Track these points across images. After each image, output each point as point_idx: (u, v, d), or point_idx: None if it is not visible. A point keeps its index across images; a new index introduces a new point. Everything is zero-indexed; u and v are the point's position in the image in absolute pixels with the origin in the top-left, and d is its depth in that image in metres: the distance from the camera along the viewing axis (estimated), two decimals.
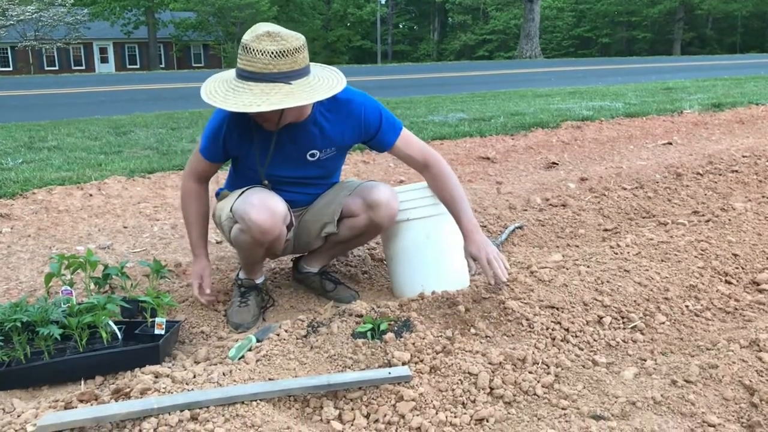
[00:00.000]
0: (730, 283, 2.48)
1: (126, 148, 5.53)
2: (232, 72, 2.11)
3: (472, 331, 2.05)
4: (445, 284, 2.32)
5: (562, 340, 2.02)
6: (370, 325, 1.98)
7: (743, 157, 4.63)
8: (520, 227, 3.19)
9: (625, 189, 3.82)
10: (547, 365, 1.86)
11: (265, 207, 2.11)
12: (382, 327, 1.98)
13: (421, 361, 1.84)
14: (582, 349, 2.00)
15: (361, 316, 2.07)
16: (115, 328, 1.98)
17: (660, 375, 1.82)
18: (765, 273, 2.54)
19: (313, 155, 2.29)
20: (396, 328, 1.99)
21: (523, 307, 2.13)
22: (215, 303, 2.43)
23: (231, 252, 2.95)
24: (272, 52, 1.96)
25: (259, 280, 2.42)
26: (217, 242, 3.11)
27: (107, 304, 1.96)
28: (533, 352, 1.91)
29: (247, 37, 1.99)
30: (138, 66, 45.20)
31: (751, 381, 1.75)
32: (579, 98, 9.02)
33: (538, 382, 1.78)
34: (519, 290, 2.26)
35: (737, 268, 2.58)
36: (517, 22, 43.69)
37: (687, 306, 2.27)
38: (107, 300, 1.98)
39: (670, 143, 5.50)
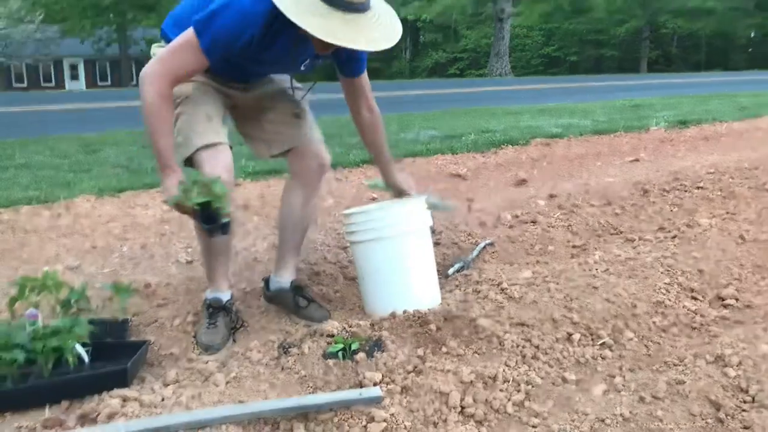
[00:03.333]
0: (695, 299, 2.52)
1: (96, 167, 5.47)
2: (314, 2, 1.89)
3: (444, 349, 2.06)
4: (417, 303, 2.32)
5: (532, 358, 2.03)
6: (341, 345, 1.97)
7: (708, 173, 4.72)
8: (491, 244, 3.21)
9: (593, 206, 3.87)
10: (517, 383, 1.87)
11: (218, 163, 2.12)
12: (354, 347, 1.97)
13: (393, 381, 1.84)
14: (552, 367, 2.01)
15: (332, 335, 2.07)
16: (82, 351, 1.95)
17: (628, 392, 1.84)
18: (729, 288, 2.59)
19: (306, 65, 2.26)
20: (368, 348, 1.99)
21: (494, 324, 2.15)
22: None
23: (201, 272, 2.93)
24: None
25: (225, 297, 2.37)
26: (187, 262, 3.09)
27: (73, 327, 1.93)
28: (504, 370, 1.92)
29: None
30: (109, 83, 44.84)
31: (717, 396, 1.78)
32: (548, 116, 9.14)
33: (509, 400, 1.79)
34: (490, 308, 2.27)
35: (703, 284, 2.62)
36: (488, 40, 44.19)
37: (654, 322, 2.31)
38: (73, 323, 1.95)
39: (637, 160, 5.59)
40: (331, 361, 1.91)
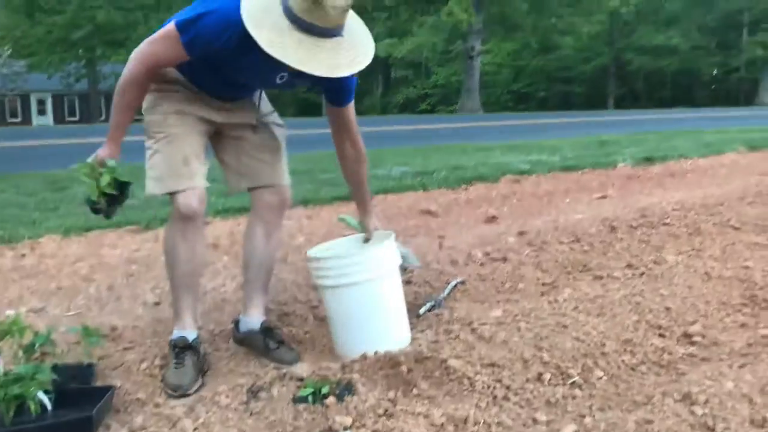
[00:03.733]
0: (663, 336, 2.55)
1: (62, 205, 5.41)
2: (280, 19, 1.96)
3: (415, 391, 2.05)
4: (389, 344, 2.31)
5: (503, 399, 2.03)
6: (311, 389, 1.96)
7: (674, 210, 4.81)
8: (462, 282, 3.23)
9: (562, 243, 3.91)
10: (488, 425, 1.87)
11: (189, 206, 2.24)
12: (324, 390, 1.96)
13: (364, 425, 1.82)
14: (523, 407, 2.01)
15: (302, 379, 2.05)
16: (44, 398, 1.90)
17: None
18: (696, 326, 2.62)
19: (281, 78, 2.25)
20: (338, 392, 1.98)
21: (465, 365, 2.15)
22: None
23: (169, 314, 2.89)
24: (343, 7, 1.97)
25: (191, 336, 2.35)
26: (155, 303, 3.05)
27: (36, 374, 1.89)
28: (475, 412, 1.91)
29: None
30: (78, 118, 44.54)
31: None
32: (518, 152, 9.28)
33: None
34: (461, 348, 2.27)
35: (670, 321, 2.65)
36: (458, 77, 44.92)
37: (623, 360, 2.32)
38: (36, 369, 1.91)
39: (605, 197, 5.68)
40: (300, 406, 1.89)
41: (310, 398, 1.93)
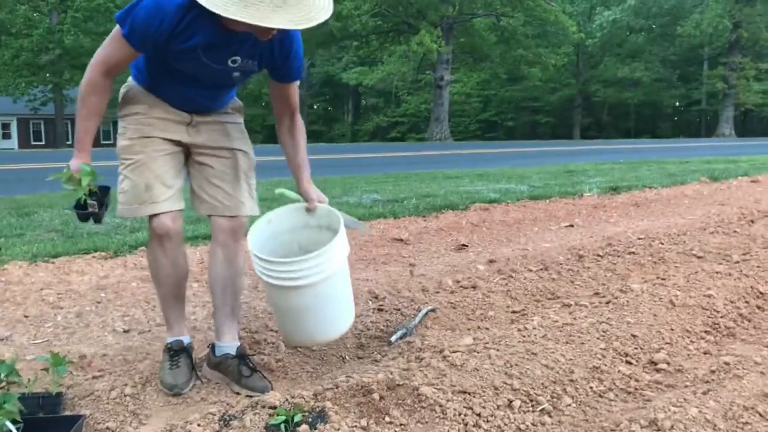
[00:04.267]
0: (630, 363, 2.60)
1: (29, 231, 5.32)
2: None
3: (387, 419, 2.06)
4: (333, 331, 2.46)
5: (474, 426, 2.05)
6: (283, 417, 1.95)
7: (639, 239, 4.92)
8: (433, 310, 3.25)
9: (531, 271, 3.97)
10: None
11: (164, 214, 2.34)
12: (296, 418, 1.96)
13: None
14: None
15: (274, 407, 2.05)
16: (12, 428, 1.87)
17: None
18: (661, 353, 2.69)
19: (234, 61, 2.26)
20: (310, 420, 1.98)
21: (437, 393, 2.17)
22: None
23: (139, 341, 2.87)
24: None
25: (186, 340, 2.49)
26: (124, 331, 3.02)
27: (3, 403, 1.86)
28: None
29: None
30: (44, 143, 43.92)
31: None
32: (486, 180, 9.40)
33: None
34: (432, 375, 2.29)
35: (636, 348, 2.71)
36: (428, 106, 45.40)
37: (591, 387, 2.36)
38: (3, 398, 1.88)
39: (572, 225, 5.78)
40: None
41: (282, 426, 1.93)
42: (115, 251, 4.49)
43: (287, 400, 2.10)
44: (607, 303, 3.21)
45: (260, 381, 2.42)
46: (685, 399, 2.18)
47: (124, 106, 2.41)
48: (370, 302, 3.44)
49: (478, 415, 2.10)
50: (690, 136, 49.34)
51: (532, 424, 2.11)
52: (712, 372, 2.48)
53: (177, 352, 2.43)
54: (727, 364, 2.51)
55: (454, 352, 2.51)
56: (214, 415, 2.03)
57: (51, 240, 4.94)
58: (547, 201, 7.25)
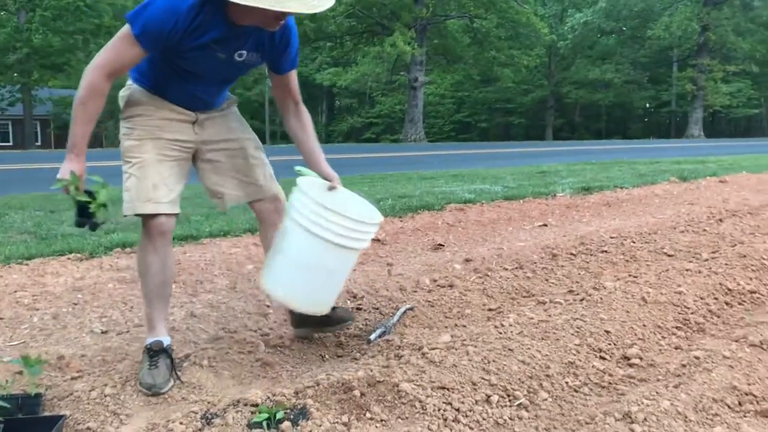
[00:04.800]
0: (604, 358, 2.66)
1: (0, 233, 5.26)
2: None
3: (368, 415, 2.09)
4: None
5: (453, 421, 2.09)
6: (266, 415, 1.98)
7: (611, 238, 5.01)
8: (410, 309, 3.29)
9: (506, 269, 4.03)
10: None
11: (153, 230, 2.39)
12: (279, 416, 1.98)
13: None
14: (472, 429, 2.08)
15: (256, 405, 2.07)
16: None
17: None
18: (634, 348, 2.75)
19: (240, 55, 2.36)
20: (292, 417, 2.00)
21: (416, 389, 2.20)
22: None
23: (118, 342, 2.86)
24: None
25: (166, 341, 2.51)
26: (102, 332, 3.01)
27: None
28: None
29: None
30: (11, 144, 43.16)
31: None
32: (461, 181, 9.47)
33: None
34: (412, 372, 2.33)
35: (610, 344, 2.77)
36: (402, 107, 45.51)
37: (567, 382, 2.42)
38: None
39: (546, 225, 5.86)
40: (256, 431, 1.91)
41: (265, 424, 1.95)
42: (91, 253, 4.46)
43: (269, 398, 2.12)
44: (581, 300, 3.28)
45: (344, 312, 2.83)
46: (657, 392, 2.24)
47: (129, 108, 2.45)
48: (349, 302, 3.47)
49: (457, 410, 2.14)
50: (660, 137, 50.14)
51: (510, 419, 2.16)
52: (683, 366, 2.55)
53: (156, 352, 2.45)
54: (697, 358, 2.59)
55: (433, 349, 2.55)
56: (196, 413, 2.05)
57: (24, 242, 4.89)
58: (521, 201, 7.33)
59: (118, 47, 2.20)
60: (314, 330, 2.83)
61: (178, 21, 2.14)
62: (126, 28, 2.17)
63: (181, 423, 1.99)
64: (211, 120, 2.56)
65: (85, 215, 2.27)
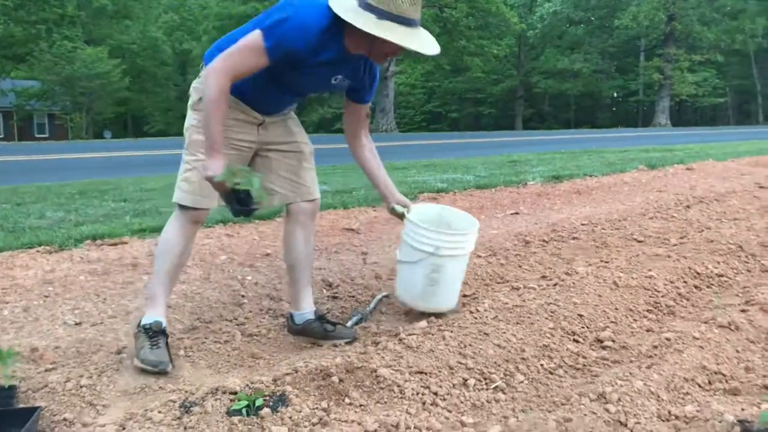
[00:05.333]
0: (577, 341, 2.71)
1: None
2: (371, 16, 2.27)
3: (347, 400, 2.11)
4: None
5: (431, 404, 2.12)
6: (245, 402, 1.98)
7: (582, 225, 5.08)
8: (386, 296, 3.31)
9: (480, 257, 4.06)
10: (419, 429, 1.94)
11: (186, 224, 2.56)
12: (258, 403, 1.98)
13: None
14: (450, 412, 2.10)
15: (235, 393, 2.07)
16: None
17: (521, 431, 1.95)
18: (606, 331, 2.80)
19: (336, 79, 2.53)
20: (272, 403, 2.01)
21: (394, 374, 2.22)
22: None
23: (92, 333, 2.83)
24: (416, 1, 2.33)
25: (164, 322, 2.56)
26: (76, 323, 2.97)
27: None
28: (405, 418, 1.99)
29: None
30: None
31: (600, 431, 1.92)
32: (433, 171, 9.50)
33: None
34: (389, 358, 2.35)
35: (583, 327, 2.82)
36: (373, 97, 45.38)
37: (542, 365, 2.46)
38: None
39: (518, 213, 5.91)
40: (235, 418, 1.91)
41: (244, 411, 1.95)
42: (60, 245, 4.40)
43: (247, 385, 2.12)
44: (554, 285, 3.32)
45: (346, 330, 2.79)
46: (630, 373, 2.29)
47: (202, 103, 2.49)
48: (325, 290, 3.47)
49: (435, 393, 2.16)
50: (628, 126, 50.75)
51: (487, 401, 2.19)
52: (655, 347, 2.60)
53: (156, 332, 2.49)
54: (668, 339, 2.64)
55: (410, 334, 2.58)
56: (175, 402, 2.04)
57: None
58: (493, 190, 7.39)
59: (246, 55, 2.30)
60: (310, 341, 2.81)
61: (309, 41, 2.30)
62: (257, 38, 2.28)
63: (159, 412, 1.98)
64: (274, 124, 2.70)
65: (243, 203, 2.32)
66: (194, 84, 2.60)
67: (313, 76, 2.49)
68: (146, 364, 2.37)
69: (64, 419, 2.12)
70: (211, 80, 2.31)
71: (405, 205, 2.96)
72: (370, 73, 2.64)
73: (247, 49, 2.30)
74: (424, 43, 2.35)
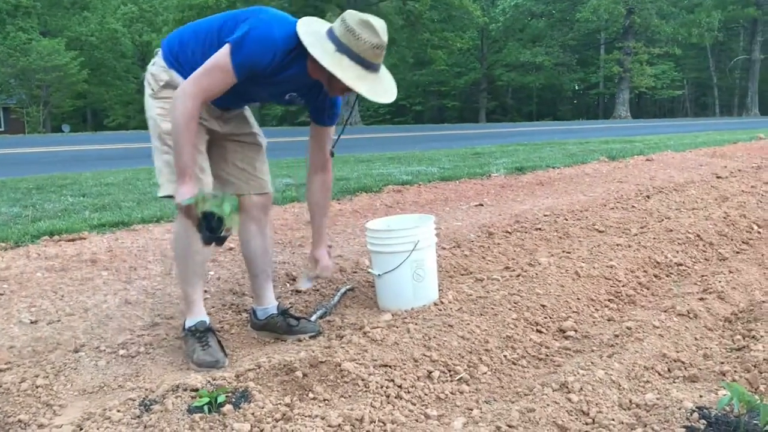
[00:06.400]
0: (540, 332, 2.73)
1: None
2: (330, 46, 2.25)
3: (311, 395, 2.09)
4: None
5: (396, 397, 2.11)
6: (207, 399, 1.94)
7: (544, 216, 5.12)
8: (351, 289, 3.29)
9: (444, 248, 4.07)
10: (383, 422, 1.94)
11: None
12: (220, 399, 1.95)
13: (262, 430, 1.84)
14: (414, 404, 2.10)
15: (196, 389, 2.03)
16: None
17: (485, 422, 1.96)
18: (569, 321, 2.83)
19: (291, 96, 2.53)
20: (234, 400, 1.98)
21: (359, 367, 2.21)
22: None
23: (48, 332, 2.76)
24: (383, 46, 2.30)
25: (207, 319, 2.57)
26: (32, 322, 2.89)
27: None
28: (370, 411, 1.98)
29: (376, 25, 2.27)
30: None
31: (563, 420, 1.93)
32: (398, 163, 9.49)
33: None
34: (354, 351, 2.33)
35: (546, 317, 2.85)
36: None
37: (505, 356, 2.47)
38: None
39: (481, 205, 5.94)
40: (197, 415, 1.87)
41: (206, 408, 1.92)
42: (16, 241, 4.28)
43: (209, 382, 2.09)
44: (518, 276, 3.34)
45: (309, 324, 2.76)
46: (592, 362, 2.31)
47: (166, 90, 2.45)
48: (288, 284, 3.44)
49: (400, 386, 2.16)
50: (589, 119, 51.49)
51: (451, 393, 2.19)
52: (616, 336, 2.64)
53: (203, 332, 2.51)
54: (629, 328, 2.68)
55: (374, 328, 2.57)
56: (134, 400, 2.00)
57: None
58: (457, 182, 7.41)
59: (214, 75, 2.26)
60: (274, 336, 2.78)
61: (274, 58, 2.27)
62: (224, 54, 2.25)
63: (118, 411, 1.93)
64: (232, 116, 2.68)
65: (211, 230, 2.26)
66: (151, 69, 2.53)
67: (267, 89, 2.47)
68: (204, 366, 2.39)
69: (19, 421, 2.06)
70: (180, 104, 2.26)
71: (317, 260, 2.87)
72: (328, 97, 2.58)
73: (215, 68, 2.26)
74: (376, 89, 2.31)
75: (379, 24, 2.30)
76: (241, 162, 2.70)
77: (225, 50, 2.25)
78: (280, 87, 2.47)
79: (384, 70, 2.43)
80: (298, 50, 2.29)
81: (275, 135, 20.94)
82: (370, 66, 2.29)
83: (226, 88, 2.31)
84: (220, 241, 2.31)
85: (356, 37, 2.25)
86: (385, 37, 2.30)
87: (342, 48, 2.25)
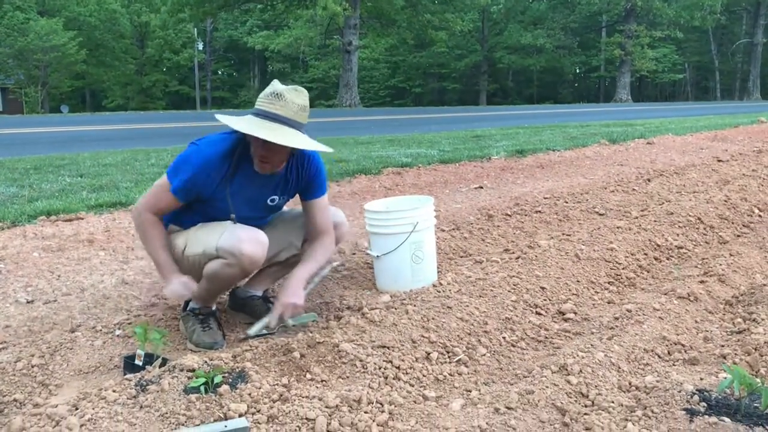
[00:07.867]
0: (539, 314, 2.71)
1: None
2: (249, 116, 2.35)
3: (308, 376, 2.07)
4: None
5: (394, 378, 2.09)
6: (203, 379, 1.92)
7: (544, 198, 5.10)
8: (341, 265, 3.28)
9: (443, 231, 4.05)
10: (381, 404, 1.92)
11: (255, 240, 2.36)
12: (216, 380, 1.93)
13: (259, 411, 1.82)
14: (413, 386, 2.09)
15: (193, 370, 2.01)
16: None
17: (484, 404, 1.95)
18: (568, 303, 2.81)
19: (272, 200, 2.58)
20: (231, 380, 1.96)
21: (357, 348, 2.19)
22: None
23: (44, 311, 2.75)
24: (300, 105, 2.35)
25: (214, 307, 2.62)
26: (28, 302, 2.88)
27: None
28: (368, 392, 1.96)
29: (279, 88, 2.36)
30: None
31: (562, 402, 1.92)
32: (398, 146, 9.45)
33: (374, 421, 1.83)
34: (352, 332, 2.32)
35: (545, 300, 2.83)
36: (336, 71, 44.97)
37: (504, 337, 2.45)
38: None
39: (481, 187, 5.91)
40: (193, 396, 1.86)
41: (202, 388, 1.90)
42: (13, 221, 4.26)
43: (206, 362, 2.07)
44: (517, 258, 3.32)
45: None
46: (591, 345, 2.30)
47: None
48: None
49: (398, 367, 2.14)
50: (590, 102, 51.29)
51: (450, 374, 2.17)
52: (616, 319, 2.62)
53: (206, 315, 2.55)
54: (629, 311, 2.66)
55: (373, 309, 2.55)
56: (130, 380, 1.98)
57: None
58: (457, 164, 7.38)
59: (159, 196, 2.42)
60: (250, 320, 2.72)
61: (210, 173, 2.37)
62: (164, 181, 2.40)
63: (114, 391, 1.92)
64: None
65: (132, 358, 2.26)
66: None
67: (243, 201, 2.48)
68: (201, 346, 2.44)
69: (15, 400, 2.05)
70: (136, 220, 2.47)
71: (281, 305, 2.53)
72: (302, 176, 2.59)
73: (159, 189, 2.42)
74: (276, 134, 2.28)
75: (284, 86, 2.40)
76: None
77: (164, 178, 2.41)
78: (253, 194, 2.50)
79: (297, 132, 2.36)
80: (238, 150, 2.40)
81: None
82: (276, 117, 2.32)
83: (174, 206, 2.43)
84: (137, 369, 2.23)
85: (259, 97, 2.37)
86: (281, 89, 2.36)
87: (257, 113, 2.34)
